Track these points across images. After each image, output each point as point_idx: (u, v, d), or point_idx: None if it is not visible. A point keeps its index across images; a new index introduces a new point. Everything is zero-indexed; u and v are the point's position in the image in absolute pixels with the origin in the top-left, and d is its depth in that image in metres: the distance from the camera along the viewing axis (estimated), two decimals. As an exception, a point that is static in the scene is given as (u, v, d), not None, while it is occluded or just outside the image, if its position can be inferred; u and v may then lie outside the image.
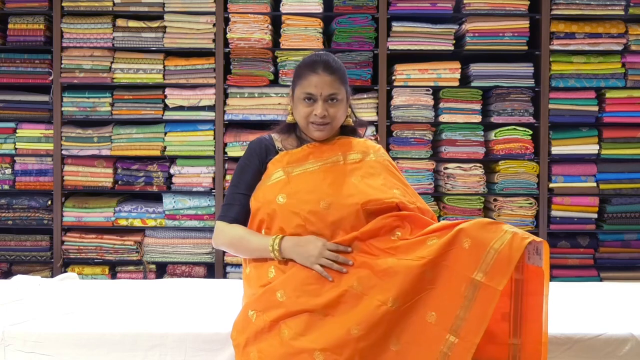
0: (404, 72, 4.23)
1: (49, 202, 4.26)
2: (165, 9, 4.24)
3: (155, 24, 4.23)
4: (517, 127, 4.21)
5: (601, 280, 4.19)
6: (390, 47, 4.22)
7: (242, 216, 2.22)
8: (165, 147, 4.27)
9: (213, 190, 4.24)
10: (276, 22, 4.32)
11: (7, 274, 4.13)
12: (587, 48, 4.21)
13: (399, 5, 4.23)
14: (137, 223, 4.27)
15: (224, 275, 4.25)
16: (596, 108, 4.24)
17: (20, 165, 4.30)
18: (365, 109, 4.22)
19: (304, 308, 2.00)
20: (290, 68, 4.17)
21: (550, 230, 4.24)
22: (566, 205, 4.23)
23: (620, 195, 4.25)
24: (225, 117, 4.24)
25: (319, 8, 4.23)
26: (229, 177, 4.19)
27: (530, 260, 1.96)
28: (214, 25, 4.22)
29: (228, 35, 4.22)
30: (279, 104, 4.19)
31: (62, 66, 4.24)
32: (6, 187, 4.29)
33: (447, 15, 4.29)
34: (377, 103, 4.23)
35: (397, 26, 4.22)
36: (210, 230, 4.25)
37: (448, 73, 4.24)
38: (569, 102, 4.23)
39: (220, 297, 2.75)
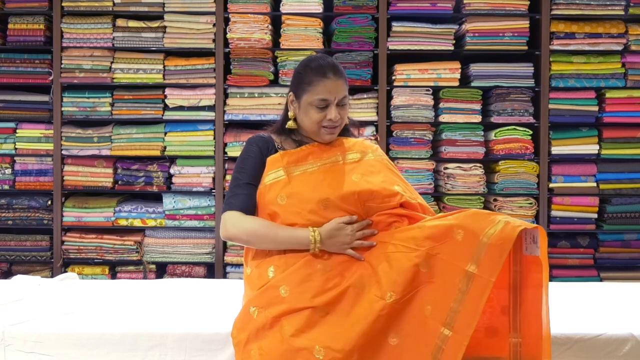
0: (404, 72, 4.23)
1: (49, 202, 4.26)
2: (165, 9, 4.24)
3: (155, 24, 4.23)
4: (517, 127, 4.21)
5: (601, 280, 4.19)
6: (390, 47, 4.22)
7: (250, 204, 2.19)
8: (165, 147, 4.27)
9: (213, 190, 4.24)
10: (276, 22, 4.32)
11: (7, 274, 4.14)
12: (587, 48, 4.21)
13: (399, 5, 4.23)
14: (137, 223, 4.27)
15: (224, 275, 4.25)
16: (596, 108, 4.23)
17: (20, 165, 4.29)
18: (365, 109, 4.22)
19: (306, 305, 2.01)
20: (290, 68, 4.17)
21: (550, 230, 4.24)
22: (566, 205, 4.23)
23: (620, 195, 4.25)
24: (225, 117, 4.24)
25: (319, 8, 4.23)
26: (229, 177, 4.18)
27: (528, 251, 1.93)
28: (214, 25, 4.22)
29: (228, 35, 4.22)
30: (279, 104, 4.19)
31: (62, 66, 4.24)
32: (6, 187, 4.29)
33: (447, 15, 4.29)
34: (377, 103, 4.23)
35: (397, 26, 4.22)
36: (211, 230, 4.26)
37: (448, 73, 4.24)
38: (569, 102, 4.23)
39: (220, 297, 2.75)
